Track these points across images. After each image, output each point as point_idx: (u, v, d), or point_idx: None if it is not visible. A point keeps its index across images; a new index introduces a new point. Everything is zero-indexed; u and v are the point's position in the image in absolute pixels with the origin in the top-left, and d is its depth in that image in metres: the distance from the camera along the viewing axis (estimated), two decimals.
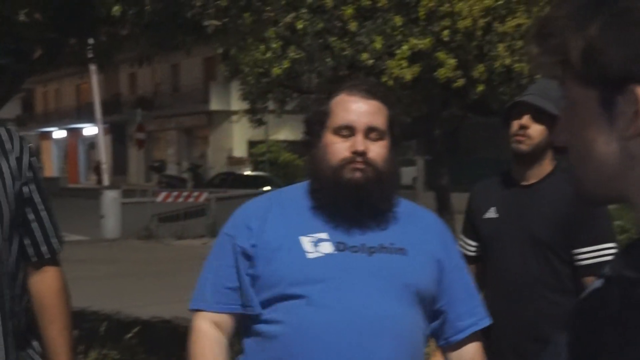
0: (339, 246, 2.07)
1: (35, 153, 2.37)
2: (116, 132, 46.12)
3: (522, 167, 3.07)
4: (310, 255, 2.06)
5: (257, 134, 32.85)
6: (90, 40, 6.15)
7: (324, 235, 2.08)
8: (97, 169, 50.63)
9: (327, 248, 2.07)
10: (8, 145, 2.30)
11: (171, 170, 40.63)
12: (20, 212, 2.29)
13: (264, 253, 2.08)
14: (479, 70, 10.98)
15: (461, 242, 3.21)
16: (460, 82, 10.92)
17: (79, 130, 52.12)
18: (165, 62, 41.37)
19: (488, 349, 2.90)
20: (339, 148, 2.09)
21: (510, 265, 3.02)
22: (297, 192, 2.19)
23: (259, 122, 13.25)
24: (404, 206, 2.20)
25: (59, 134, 55.55)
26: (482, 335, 2.25)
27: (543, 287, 2.97)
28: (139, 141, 24.90)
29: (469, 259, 3.03)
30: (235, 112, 35.57)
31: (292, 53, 10.56)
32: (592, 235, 2.92)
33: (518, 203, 3.05)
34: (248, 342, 2.15)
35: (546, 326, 2.87)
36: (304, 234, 2.09)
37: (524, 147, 3.00)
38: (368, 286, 2.05)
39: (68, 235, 16.49)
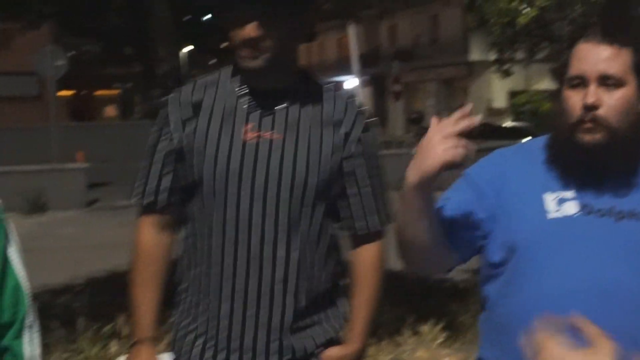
0: (585, 208, 1.92)
1: (372, 127, 2.38)
2: (376, 84, 46.81)
3: None
4: (551, 215, 1.92)
5: (518, 84, 32.06)
6: None
7: (569, 195, 1.93)
8: None
9: (571, 209, 1.92)
10: (339, 117, 2.33)
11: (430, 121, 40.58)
12: (337, 185, 2.34)
13: (500, 206, 1.98)
14: None
15: None
16: None
17: (340, 83, 53.47)
18: (425, 12, 41.32)
19: None
20: (572, 104, 1.93)
21: None
22: (540, 145, 2.05)
23: (506, 73, 12.80)
24: None
25: None
26: None
27: None
28: (395, 93, 25.16)
29: None
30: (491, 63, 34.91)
31: (540, 1, 10.07)
32: None
33: None
34: (488, 300, 2.06)
35: None
36: (548, 191, 1.95)
37: None
38: (611, 255, 1.86)
39: None
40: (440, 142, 1.81)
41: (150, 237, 2.41)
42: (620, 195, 1.92)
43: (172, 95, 2.40)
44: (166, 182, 2.35)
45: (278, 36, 2.20)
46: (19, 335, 1.86)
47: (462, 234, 2.00)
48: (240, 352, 2.31)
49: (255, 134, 2.29)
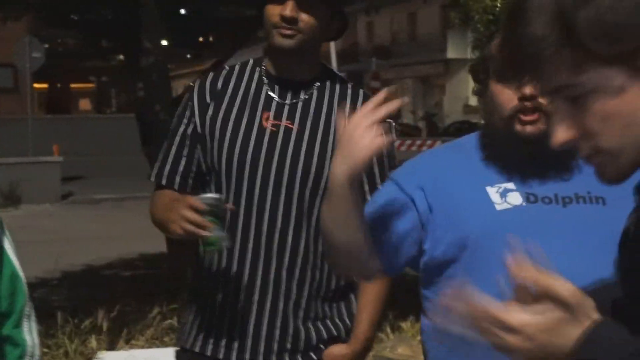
0: (530, 197, 1.84)
1: (390, 126, 2.35)
2: (354, 80, 46.76)
3: None
4: (499, 207, 1.84)
5: None
6: None
7: (510, 186, 1.86)
8: None
9: (516, 199, 1.84)
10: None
11: (407, 118, 40.82)
12: None
13: (440, 204, 1.87)
14: None
15: None
16: None
17: None
18: (403, 10, 41.42)
19: None
20: (506, 97, 1.82)
21: None
22: (473, 143, 1.96)
23: None
24: None
25: None
26: None
27: None
28: (373, 90, 25.20)
29: None
30: (472, 60, 35.06)
31: None
32: None
33: None
34: (427, 305, 1.96)
35: None
36: (489, 184, 1.86)
37: None
38: (565, 242, 1.79)
39: None
40: (366, 131, 1.72)
41: (162, 190, 2.41)
42: (561, 181, 1.86)
43: (196, 82, 2.46)
44: (181, 165, 2.40)
45: (313, 21, 2.26)
46: (18, 324, 1.86)
47: (389, 241, 1.90)
48: (243, 338, 2.32)
49: (274, 123, 2.33)
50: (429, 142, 20.65)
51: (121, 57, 9.68)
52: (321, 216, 1.89)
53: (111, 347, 5.25)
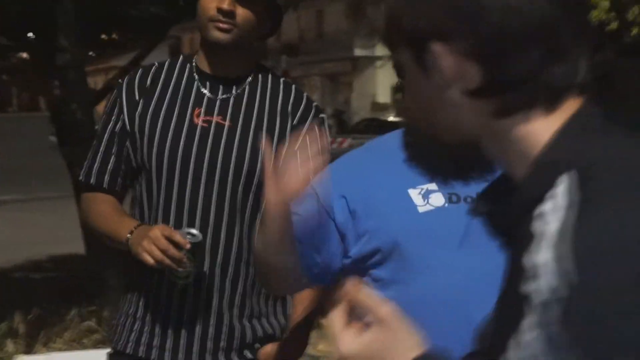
0: (452, 197, 1.83)
1: (323, 122, 2.38)
2: None
3: None
4: (422, 209, 1.82)
5: None
6: None
7: (432, 186, 1.83)
8: None
9: (438, 200, 1.83)
10: (290, 109, 2.35)
11: None
12: None
13: (363, 209, 1.85)
14: (633, 12, 10.47)
15: None
16: (614, 25, 10.44)
17: None
18: (311, 7, 41.51)
19: None
20: None
21: None
22: (394, 142, 1.94)
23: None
24: None
25: None
26: None
27: None
28: None
29: None
30: (379, 58, 35.42)
31: None
32: None
33: None
34: None
35: None
36: (412, 186, 1.85)
37: None
38: (489, 241, 1.65)
39: None
40: (300, 163, 1.71)
41: (96, 194, 2.40)
42: (484, 181, 1.82)
43: (124, 79, 2.42)
44: (110, 164, 2.37)
45: (250, 16, 2.24)
46: None
47: (318, 257, 1.89)
48: (176, 337, 2.30)
49: (205, 119, 2.31)
50: (339, 139, 20.82)
51: (23, 55, 9.41)
52: (255, 241, 1.91)
53: (29, 350, 5.16)
